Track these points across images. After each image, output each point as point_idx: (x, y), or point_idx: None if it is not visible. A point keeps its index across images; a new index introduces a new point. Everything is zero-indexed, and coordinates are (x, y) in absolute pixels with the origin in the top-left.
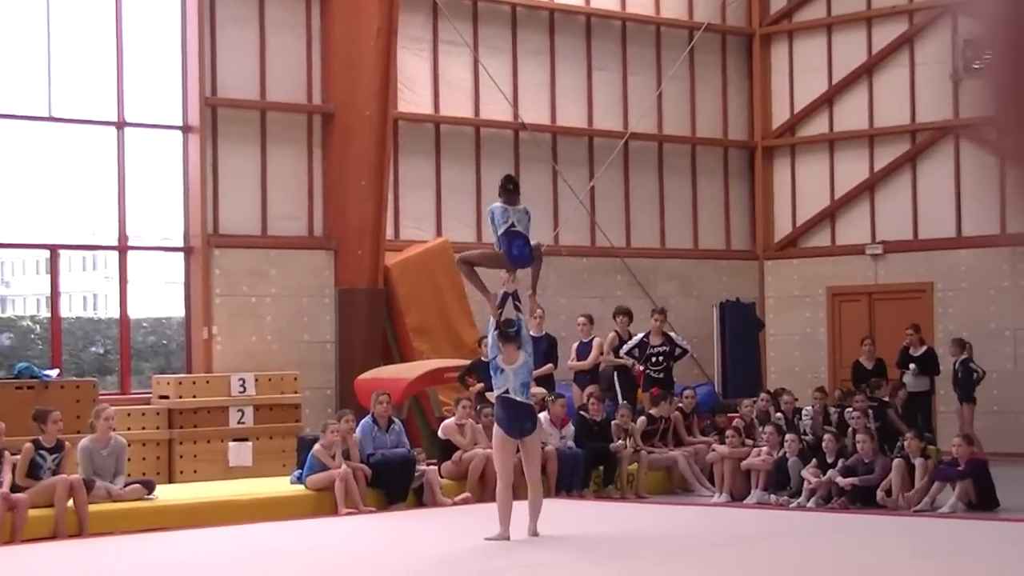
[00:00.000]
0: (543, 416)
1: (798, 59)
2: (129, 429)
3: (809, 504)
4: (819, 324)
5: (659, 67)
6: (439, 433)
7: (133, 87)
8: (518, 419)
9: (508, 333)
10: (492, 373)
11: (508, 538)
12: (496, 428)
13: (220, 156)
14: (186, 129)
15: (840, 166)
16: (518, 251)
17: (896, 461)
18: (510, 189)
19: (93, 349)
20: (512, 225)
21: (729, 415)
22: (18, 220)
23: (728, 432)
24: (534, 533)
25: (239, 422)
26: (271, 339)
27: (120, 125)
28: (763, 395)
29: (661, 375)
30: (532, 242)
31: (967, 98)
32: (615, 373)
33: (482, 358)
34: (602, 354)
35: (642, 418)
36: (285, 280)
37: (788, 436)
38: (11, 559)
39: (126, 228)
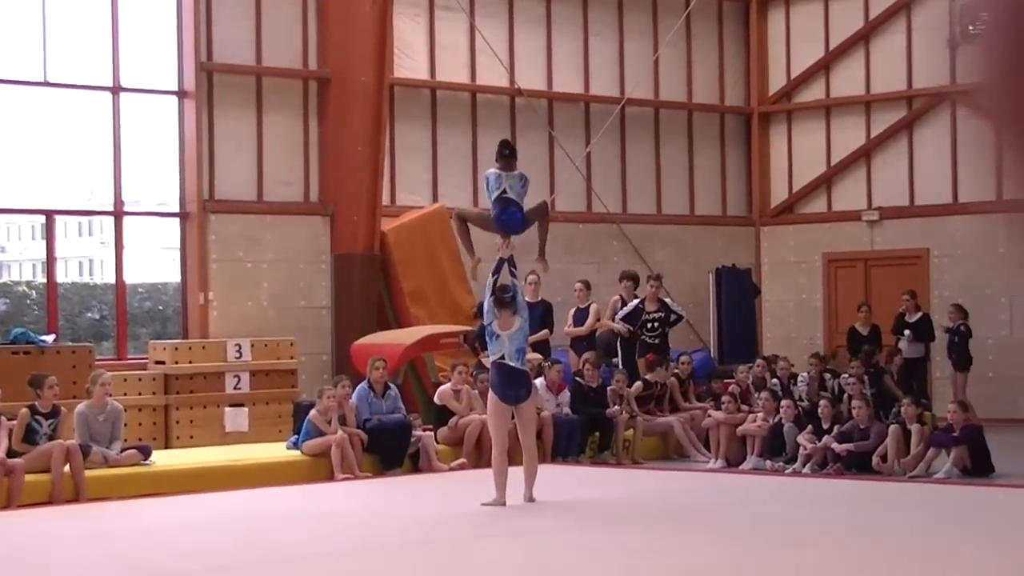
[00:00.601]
0: (539, 382)
1: (795, 25)
2: (125, 395)
3: (804, 470)
4: (815, 290)
5: (656, 33)
6: (435, 399)
7: (129, 52)
8: (513, 385)
9: (504, 299)
10: (487, 339)
11: (504, 504)
12: (491, 394)
13: (216, 121)
14: (182, 94)
15: (836, 132)
16: (507, 217)
17: (892, 427)
18: (506, 155)
19: (89, 315)
20: (504, 191)
21: (725, 381)
22: (14, 185)
23: (724, 398)
24: (530, 499)
25: (235, 388)
26: (267, 305)
27: (116, 90)
28: (759, 361)
29: (656, 341)
30: (537, 202)
31: (963, 64)
32: (618, 339)
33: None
34: (599, 320)
35: (638, 383)
36: (281, 246)
37: (784, 402)
38: (8, 524)
39: (122, 193)
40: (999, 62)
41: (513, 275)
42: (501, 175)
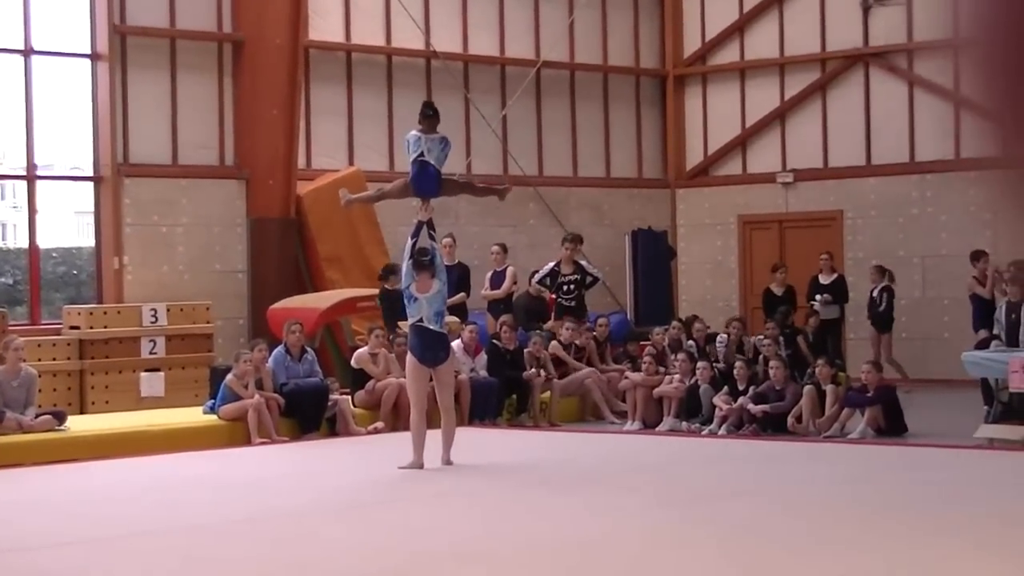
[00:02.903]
0: (456, 344)
1: None
2: (40, 360)
3: (720, 431)
4: (730, 252)
5: None
6: (352, 362)
7: (40, 14)
8: (431, 348)
9: (422, 261)
10: (406, 301)
11: (421, 466)
12: (409, 356)
13: (129, 85)
14: (95, 57)
15: (751, 94)
16: (425, 180)
17: (807, 388)
18: (429, 115)
19: (2, 279)
20: (422, 154)
21: (641, 343)
22: None
23: (645, 359)
24: (447, 462)
25: (151, 352)
26: (183, 269)
27: (27, 52)
28: (675, 323)
29: (573, 303)
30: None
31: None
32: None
33: (386, 287)
34: (515, 283)
35: (554, 342)
36: (196, 210)
37: (700, 364)
38: None
39: (35, 157)
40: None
41: (432, 238)
42: (421, 137)
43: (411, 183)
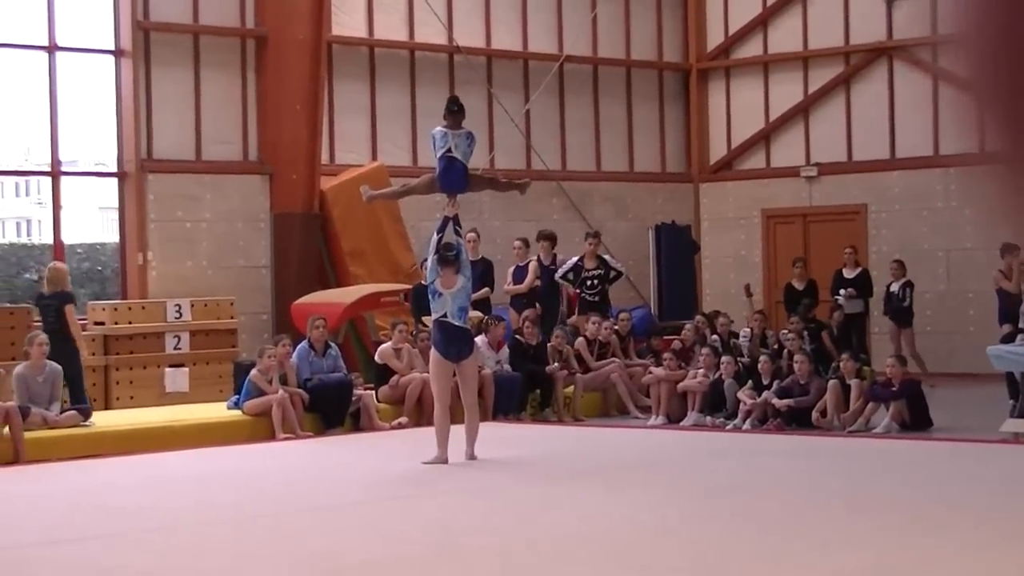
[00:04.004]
0: (480, 340)
1: None
2: None
3: (745, 426)
4: (754, 246)
5: None
6: (376, 357)
7: (64, 10)
8: (455, 343)
9: (448, 257)
10: (430, 297)
11: (445, 461)
12: (433, 352)
13: (153, 80)
14: (118, 53)
15: (774, 88)
16: (451, 175)
17: (831, 382)
18: (454, 111)
19: (27, 275)
20: (449, 150)
21: (665, 338)
22: None
23: (666, 355)
24: (471, 456)
25: (175, 348)
26: (206, 264)
27: (52, 49)
28: (698, 317)
29: (596, 298)
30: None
31: (907, 18)
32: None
33: (422, 282)
34: (538, 278)
35: (580, 339)
36: (220, 205)
37: (724, 358)
38: None
39: (59, 153)
40: (972, 13)
41: (458, 233)
42: (447, 133)
43: (438, 179)
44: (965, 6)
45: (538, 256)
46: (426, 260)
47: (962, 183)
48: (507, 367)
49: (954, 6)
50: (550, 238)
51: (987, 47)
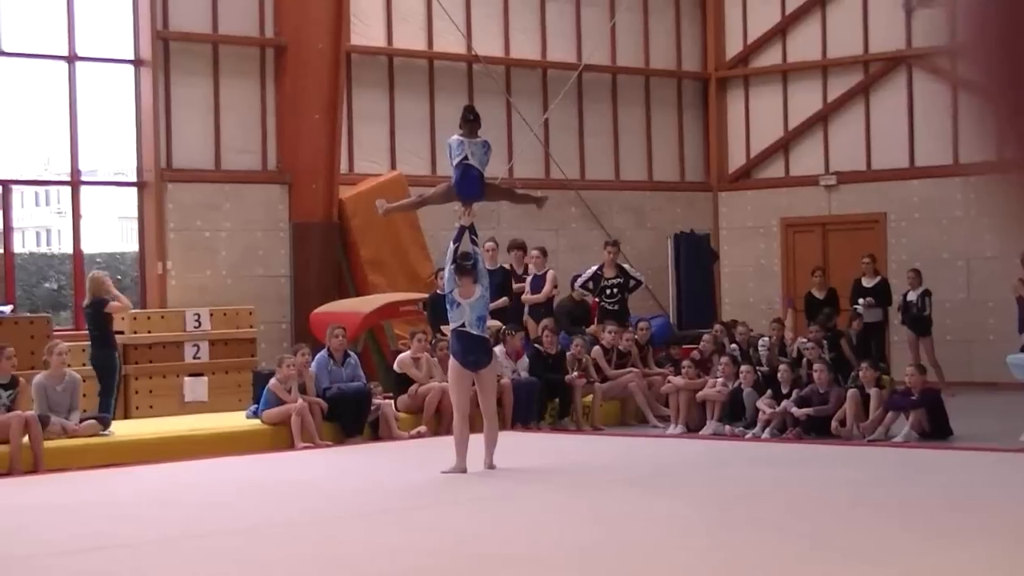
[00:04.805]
0: (498, 349)
1: None
2: (84, 365)
3: (764, 435)
4: (773, 255)
5: None
6: (395, 367)
7: (84, 20)
8: (474, 352)
9: (465, 266)
10: (448, 306)
11: (464, 470)
12: (452, 361)
13: (172, 90)
14: (138, 63)
15: (793, 97)
16: (468, 183)
17: (850, 391)
18: (471, 120)
19: (47, 285)
20: (466, 158)
21: (684, 347)
22: None
23: (684, 364)
24: (490, 465)
25: (194, 357)
26: (225, 274)
27: (71, 59)
28: (717, 326)
29: (616, 307)
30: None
31: (926, 27)
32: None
33: (438, 291)
34: (555, 287)
35: (596, 347)
36: (239, 214)
37: (743, 367)
38: None
39: (78, 163)
40: (969, 22)
41: (474, 243)
42: (464, 141)
43: (454, 187)
44: (964, 16)
45: (510, 264)
46: (442, 270)
47: (979, 192)
48: (525, 374)
49: (954, 16)
50: (520, 247)
51: (987, 59)
